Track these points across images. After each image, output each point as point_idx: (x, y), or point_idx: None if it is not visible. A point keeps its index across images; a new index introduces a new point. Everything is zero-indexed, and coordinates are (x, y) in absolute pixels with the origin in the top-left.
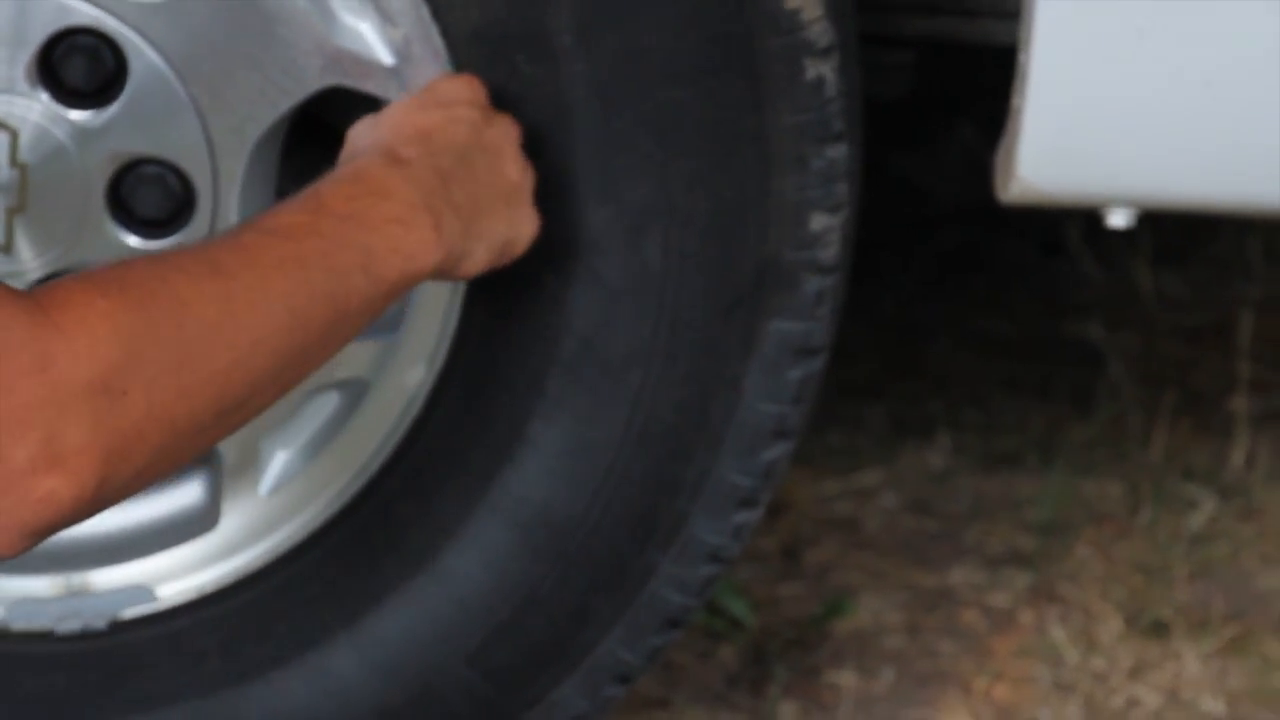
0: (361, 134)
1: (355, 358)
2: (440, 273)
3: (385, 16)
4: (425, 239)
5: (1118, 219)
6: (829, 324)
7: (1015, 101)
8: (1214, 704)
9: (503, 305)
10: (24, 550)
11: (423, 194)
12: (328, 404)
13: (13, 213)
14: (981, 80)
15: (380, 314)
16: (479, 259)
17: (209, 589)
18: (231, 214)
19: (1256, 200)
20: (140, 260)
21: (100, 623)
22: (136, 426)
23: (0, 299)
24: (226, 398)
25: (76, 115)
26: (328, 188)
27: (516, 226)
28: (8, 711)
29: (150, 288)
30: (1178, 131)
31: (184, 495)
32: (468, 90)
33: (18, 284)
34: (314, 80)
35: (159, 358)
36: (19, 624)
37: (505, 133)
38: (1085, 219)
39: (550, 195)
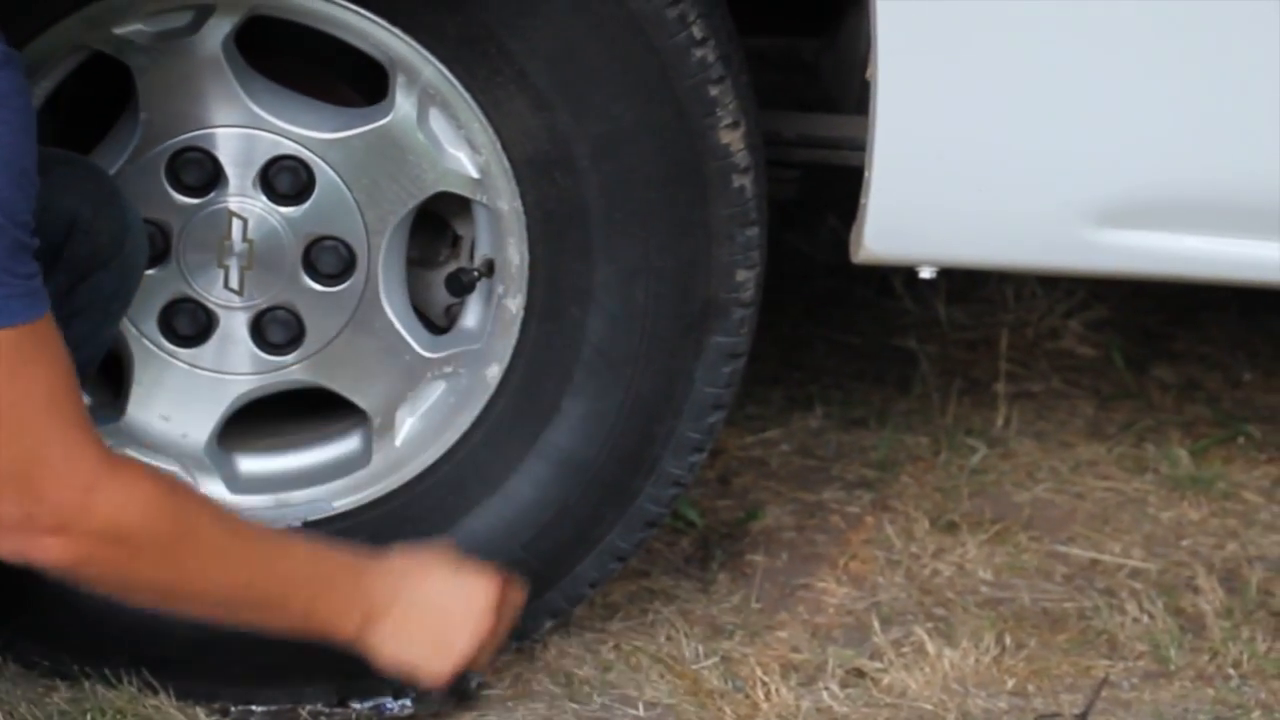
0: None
1: (456, 360)
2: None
3: (473, 148)
4: (348, 633)
5: (925, 273)
6: (748, 338)
7: (862, 201)
8: (984, 574)
9: (547, 327)
10: (6, 559)
11: (371, 617)
12: (438, 388)
13: (245, 269)
14: (841, 187)
15: (294, 632)
16: (382, 657)
17: (363, 502)
18: (378, 270)
19: (996, 261)
20: (197, 493)
21: (297, 522)
22: (115, 569)
23: (91, 441)
24: (173, 602)
25: (284, 209)
26: (343, 555)
27: (428, 664)
28: None
29: (188, 511)
30: (957, 225)
31: (348, 445)
32: (483, 592)
33: (247, 314)
34: (430, 187)
35: (156, 553)
36: None
37: (486, 593)
38: (905, 272)
39: (576, 258)
